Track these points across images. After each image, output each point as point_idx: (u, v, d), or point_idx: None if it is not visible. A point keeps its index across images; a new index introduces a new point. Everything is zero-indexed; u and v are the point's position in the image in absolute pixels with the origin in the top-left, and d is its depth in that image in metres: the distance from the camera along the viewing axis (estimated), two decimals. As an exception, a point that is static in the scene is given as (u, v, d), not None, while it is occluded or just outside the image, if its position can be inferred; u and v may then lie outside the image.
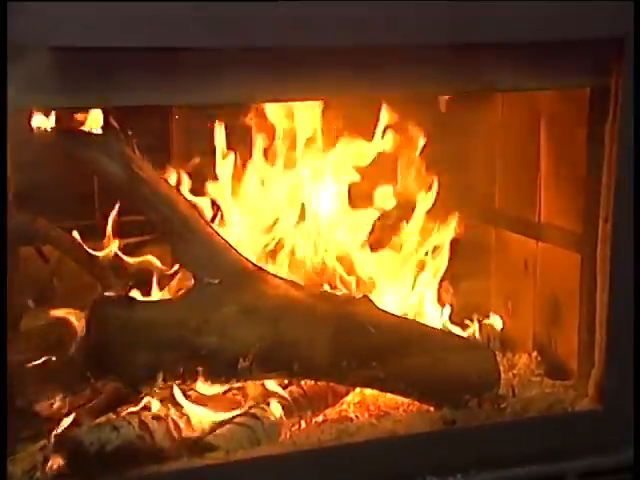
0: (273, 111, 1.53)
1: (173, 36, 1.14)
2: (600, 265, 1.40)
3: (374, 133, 1.56)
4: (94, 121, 1.35)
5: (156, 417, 1.30)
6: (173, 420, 1.32)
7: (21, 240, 1.36)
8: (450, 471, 1.34)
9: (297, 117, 1.53)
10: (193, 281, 1.37)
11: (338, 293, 1.53)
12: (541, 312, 1.65)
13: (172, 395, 1.35)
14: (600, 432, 1.42)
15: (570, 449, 1.41)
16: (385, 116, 1.55)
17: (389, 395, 1.46)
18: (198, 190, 1.49)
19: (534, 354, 1.65)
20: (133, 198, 1.36)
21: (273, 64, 1.20)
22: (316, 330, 1.36)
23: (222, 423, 1.35)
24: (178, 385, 1.33)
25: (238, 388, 1.41)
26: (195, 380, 1.32)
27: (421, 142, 1.59)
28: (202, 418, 1.34)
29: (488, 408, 1.41)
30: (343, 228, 1.60)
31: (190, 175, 1.49)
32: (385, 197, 1.62)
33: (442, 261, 1.63)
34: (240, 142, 1.53)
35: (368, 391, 1.48)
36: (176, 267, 1.44)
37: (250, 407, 1.38)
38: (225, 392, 1.39)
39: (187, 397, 1.35)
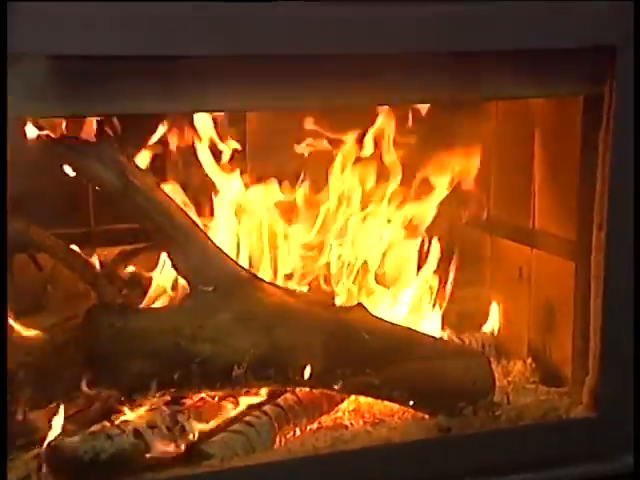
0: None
1: (172, 44, 1.14)
2: (594, 272, 1.40)
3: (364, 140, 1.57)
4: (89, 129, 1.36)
5: (150, 425, 1.30)
6: (167, 428, 1.31)
7: (15, 248, 1.36)
8: (445, 479, 1.34)
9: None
10: (188, 289, 1.37)
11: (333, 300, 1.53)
12: (536, 319, 1.66)
13: (167, 403, 1.35)
14: (595, 439, 1.42)
15: (565, 456, 1.41)
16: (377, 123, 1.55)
17: (384, 402, 1.46)
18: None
19: (529, 361, 1.65)
20: (128, 206, 1.36)
21: (273, 72, 1.21)
22: (311, 337, 1.36)
23: (217, 431, 1.35)
24: (172, 393, 1.33)
25: (233, 395, 1.41)
26: (189, 388, 1.32)
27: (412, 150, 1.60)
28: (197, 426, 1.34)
29: (483, 415, 1.41)
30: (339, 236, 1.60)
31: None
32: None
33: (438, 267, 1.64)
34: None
35: (363, 398, 1.48)
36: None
37: (244, 414, 1.38)
38: (220, 399, 1.39)
39: (182, 404, 1.36)
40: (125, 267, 1.50)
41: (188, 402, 1.37)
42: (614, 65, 1.32)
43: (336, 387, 1.38)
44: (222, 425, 1.36)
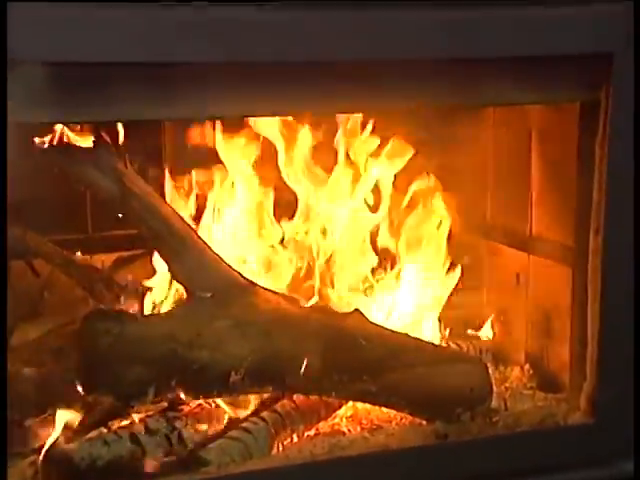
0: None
1: (171, 50, 1.14)
2: (591, 277, 1.40)
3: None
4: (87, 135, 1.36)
5: (148, 431, 1.30)
6: (165, 434, 1.31)
7: (12, 254, 1.36)
8: (443, 485, 1.35)
9: (291, 131, 1.53)
10: (185, 295, 1.37)
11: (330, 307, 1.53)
12: (533, 325, 1.66)
13: (164, 409, 1.35)
14: (592, 445, 1.42)
15: (562, 462, 1.41)
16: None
17: (382, 409, 1.46)
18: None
19: (526, 367, 1.65)
20: (125, 212, 1.36)
21: (271, 78, 1.21)
22: (308, 344, 1.36)
23: (214, 437, 1.34)
24: (169, 399, 1.33)
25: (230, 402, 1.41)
26: (187, 394, 1.32)
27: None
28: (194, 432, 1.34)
29: (480, 422, 1.41)
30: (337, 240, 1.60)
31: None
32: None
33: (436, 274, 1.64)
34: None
35: (360, 405, 1.47)
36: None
37: (242, 421, 1.38)
38: (217, 406, 1.39)
39: (179, 411, 1.35)
40: (122, 273, 1.50)
41: (185, 408, 1.36)
42: (611, 71, 1.32)
43: (333, 393, 1.38)
44: (219, 431, 1.36)
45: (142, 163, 1.46)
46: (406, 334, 1.51)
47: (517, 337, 1.69)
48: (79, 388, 1.28)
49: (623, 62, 1.31)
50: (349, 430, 1.45)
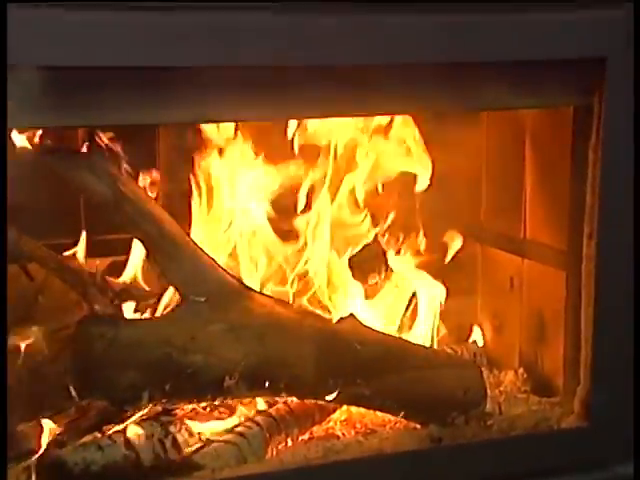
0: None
1: (168, 54, 1.14)
2: (585, 281, 1.41)
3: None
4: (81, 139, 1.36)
5: (142, 436, 1.30)
6: (159, 439, 1.31)
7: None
8: (437, 489, 1.35)
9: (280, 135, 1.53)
10: (179, 299, 1.37)
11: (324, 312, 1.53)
12: (527, 329, 1.66)
13: (158, 413, 1.34)
14: (586, 449, 1.42)
15: (556, 466, 1.41)
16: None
17: (376, 413, 1.46)
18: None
19: (520, 371, 1.65)
20: (120, 217, 1.36)
21: (266, 83, 1.20)
22: (303, 348, 1.36)
23: (208, 441, 1.34)
24: (164, 404, 1.33)
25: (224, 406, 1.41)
26: (181, 399, 1.32)
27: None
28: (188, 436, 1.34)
29: (475, 425, 1.41)
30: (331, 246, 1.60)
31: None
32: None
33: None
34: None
35: (355, 409, 1.48)
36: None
37: (236, 425, 1.38)
38: (211, 410, 1.39)
39: (173, 415, 1.35)
40: (117, 278, 1.50)
41: (180, 413, 1.36)
42: (604, 76, 1.33)
43: (328, 397, 1.38)
44: (213, 436, 1.36)
45: (136, 167, 1.46)
46: (400, 338, 1.52)
47: (511, 341, 1.69)
48: (73, 393, 1.28)
49: (617, 67, 1.32)
50: (343, 434, 1.45)
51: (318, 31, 1.19)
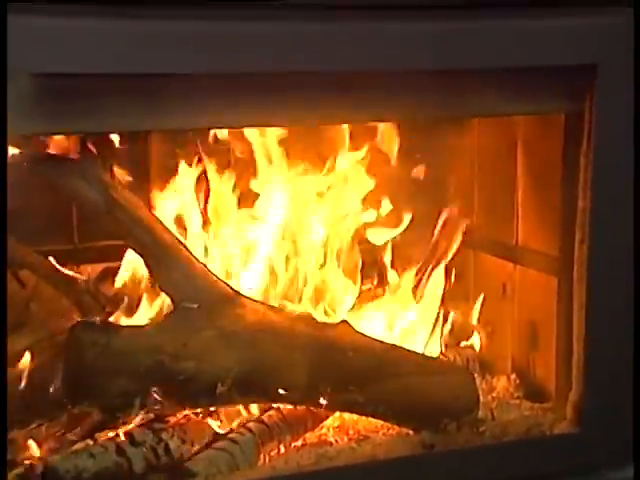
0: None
1: (160, 61, 1.14)
2: (577, 287, 1.41)
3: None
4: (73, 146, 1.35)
5: (134, 443, 1.29)
6: (151, 446, 1.31)
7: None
8: (429, 495, 1.35)
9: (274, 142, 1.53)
10: (171, 306, 1.37)
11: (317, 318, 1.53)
12: (519, 335, 1.66)
13: (150, 420, 1.34)
14: (578, 454, 1.43)
15: (549, 472, 1.41)
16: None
17: (369, 419, 1.46)
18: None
19: (513, 377, 1.65)
20: (112, 224, 1.36)
21: (261, 89, 1.21)
22: (295, 355, 1.36)
23: (201, 448, 1.34)
24: (156, 411, 1.33)
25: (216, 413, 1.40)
26: (173, 405, 1.32)
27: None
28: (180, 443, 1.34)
29: (467, 431, 1.41)
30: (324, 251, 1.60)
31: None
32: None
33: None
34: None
35: (347, 415, 1.47)
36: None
37: (228, 432, 1.37)
38: (203, 417, 1.39)
39: (165, 422, 1.35)
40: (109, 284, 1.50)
41: (172, 420, 1.36)
42: (595, 82, 1.33)
43: (320, 404, 1.38)
44: (206, 443, 1.35)
45: (129, 174, 1.46)
46: (393, 345, 1.52)
47: (504, 347, 1.69)
48: (65, 399, 1.28)
49: (607, 73, 1.32)
50: (336, 440, 1.44)
51: (311, 38, 1.19)
